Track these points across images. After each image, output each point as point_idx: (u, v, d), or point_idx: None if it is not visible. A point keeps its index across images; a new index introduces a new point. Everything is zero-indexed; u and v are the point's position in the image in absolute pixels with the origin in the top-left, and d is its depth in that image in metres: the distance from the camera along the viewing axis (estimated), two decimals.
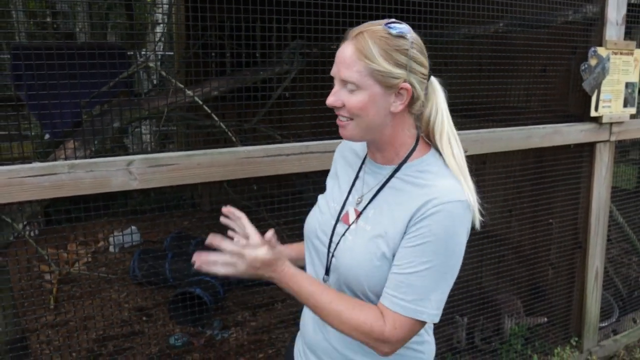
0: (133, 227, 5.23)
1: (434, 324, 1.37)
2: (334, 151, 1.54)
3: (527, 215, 3.29)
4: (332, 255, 1.30)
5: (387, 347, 1.18)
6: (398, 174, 1.26)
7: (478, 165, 3.53)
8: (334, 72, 1.21)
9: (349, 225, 1.30)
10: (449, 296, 1.22)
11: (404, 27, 1.19)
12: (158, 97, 2.57)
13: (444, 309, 1.23)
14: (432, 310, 1.17)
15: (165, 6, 5.54)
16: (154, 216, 5.56)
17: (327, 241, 1.33)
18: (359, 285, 1.24)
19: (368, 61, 1.15)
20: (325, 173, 1.55)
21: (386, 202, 1.26)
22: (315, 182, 1.83)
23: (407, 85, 1.18)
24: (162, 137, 6.93)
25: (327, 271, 1.32)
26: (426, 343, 1.38)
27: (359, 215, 1.29)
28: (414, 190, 1.21)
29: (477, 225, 1.24)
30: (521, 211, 3.31)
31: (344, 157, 1.46)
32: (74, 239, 4.94)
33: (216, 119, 2.25)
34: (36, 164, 1.74)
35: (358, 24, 1.24)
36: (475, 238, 3.25)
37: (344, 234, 1.29)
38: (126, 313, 3.85)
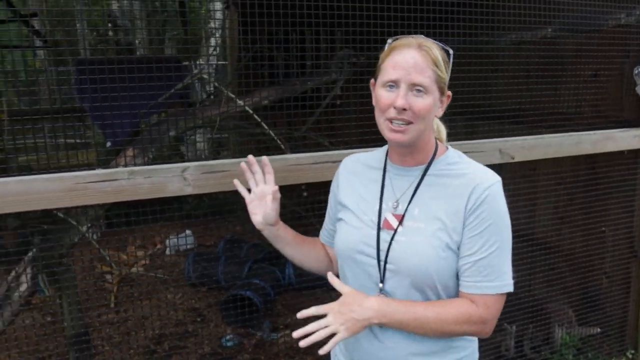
0: (188, 231, 5.43)
1: None
2: None
3: (579, 222, 3.22)
4: (386, 263, 1.34)
5: (487, 327, 1.31)
6: (430, 171, 1.36)
7: (527, 171, 3.49)
8: (399, 76, 1.26)
9: (395, 230, 1.34)
10: None
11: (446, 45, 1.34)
12: (211, 107, 2.69)
13: None
14: (509, 280, 1.31)
15: (219, 19, 5.74)
16: (208, 221, 5.74)
17: (374, 252, 1.36)
18: (429, 282, 1.30)
19: (436, 68, 1.28)
20: None
21: (428, 198, 1.33)
22: None
23: (450, 93, 1.34)
24: (216, 144, 7.16)
25: (382, 279, 1.35)
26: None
27: (402, 217, 1.34)
28: (454, 181, 1.32)
29: None
30: (573, 218, 3.25)
31: (353, 173, 1.51)
32: (132, 242, 5.20)
33: (265, 127, 2.34)
34: (99, 171, 1.87)
35: (404, 32, 1.36)
36: (525, 245, 3.22)
37: (393, 239, 1.34)
38: (181, 313, 4.01)
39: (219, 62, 6.82)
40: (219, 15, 5.83)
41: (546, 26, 2.71)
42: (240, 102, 2.27)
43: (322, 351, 1.25)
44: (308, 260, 1.59)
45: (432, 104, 1.29)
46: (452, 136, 2.49)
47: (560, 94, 3.09)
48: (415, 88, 1.26)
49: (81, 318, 2.48)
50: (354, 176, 1.50)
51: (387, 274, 1.34)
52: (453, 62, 1.36)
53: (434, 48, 1.29)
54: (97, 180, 1.84)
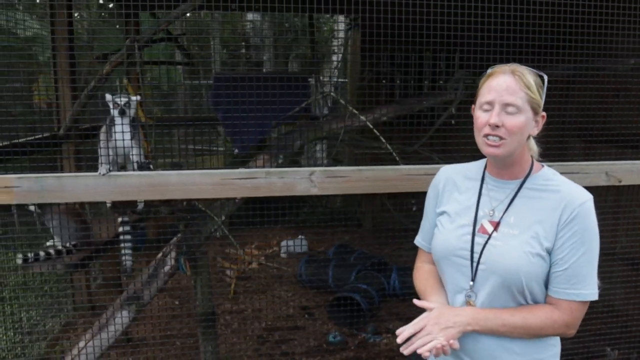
0: (301, 236, 5.81)
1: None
2: None
3: None
4: (478, 263, 1.51)
5: (570, 329, 1.48)
6: (526, 185, 1.53)
7: None
8: (493, 97, 1.45)
9: (490, 235, 1.51)
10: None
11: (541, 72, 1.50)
12: (335, 120, 2.98)
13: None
14: (594, 289, 1.46)
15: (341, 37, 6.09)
16: (320, 228, 6.09)
17: (469, 254, 1.53)
18: (517, 282, 1.46)
19: (528, 90, 1.45)
20: None
21: (524, 208, 1.50)
22: None
23: (544, 114, 1.50)
24: (333, 156, 7.51)
25: (473, 278, 1.52)
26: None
27: (497, 224, 1.51)
28: (550, 195, 1.49)
29: None
30: None
31: (452, 181, 1.66)
32: (251, 242, 5.67)
33: (384, 140, 2.58)
34: (242, 170, 2.22)
35: (520, 59, 1.56)
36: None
37: (487, 242, 1.50)
38: (291, 310, 4.35)
39: (340, 80, 7.19)
40: (342, 34, 6.19)
41: None
42: (362, 118, 2.52)
43: (421, 350, 1.42)
44: None
45: (524, 122, 1.44)
46: (568, 157, 2.56)
47: None
48: (508, 108, 1.44)
49: (210, 299, 2.86)
50: (453, 184, 1.66)
51: (479, 273, 1.51)
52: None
53: (527, 73, 1.46)
54: (240, 178, 2.18)
